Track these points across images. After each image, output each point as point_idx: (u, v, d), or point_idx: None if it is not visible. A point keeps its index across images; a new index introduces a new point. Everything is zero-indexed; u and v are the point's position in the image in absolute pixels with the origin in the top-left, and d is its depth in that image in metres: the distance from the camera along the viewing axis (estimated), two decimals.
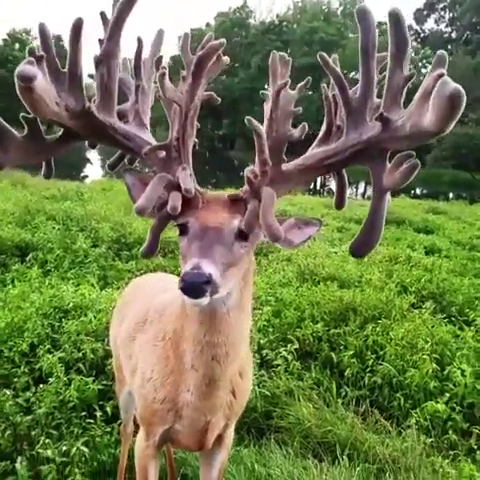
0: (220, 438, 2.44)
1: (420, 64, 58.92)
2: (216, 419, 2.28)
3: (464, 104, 1.40)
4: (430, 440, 3.70)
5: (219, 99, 2.06)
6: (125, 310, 2.95)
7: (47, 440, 3.34)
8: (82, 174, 39.58)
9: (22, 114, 1.73)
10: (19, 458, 3.18)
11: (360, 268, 7.06)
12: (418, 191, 37.28)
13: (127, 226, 8.68)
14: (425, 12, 66.50)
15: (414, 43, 64.29)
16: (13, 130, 1.73)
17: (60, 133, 1.86)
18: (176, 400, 2.20)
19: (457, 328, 5.14)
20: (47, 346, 4.39)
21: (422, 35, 67.27)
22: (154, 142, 1.91)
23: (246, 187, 1.81)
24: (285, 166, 1.83)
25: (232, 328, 1.99)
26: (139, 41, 2.05)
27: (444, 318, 5.44)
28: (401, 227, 12.57)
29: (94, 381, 4.02)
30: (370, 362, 4.58)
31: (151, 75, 2.17)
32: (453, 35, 66.42)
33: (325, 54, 1.81)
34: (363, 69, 1.71)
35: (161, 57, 2.04)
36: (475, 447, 3.67)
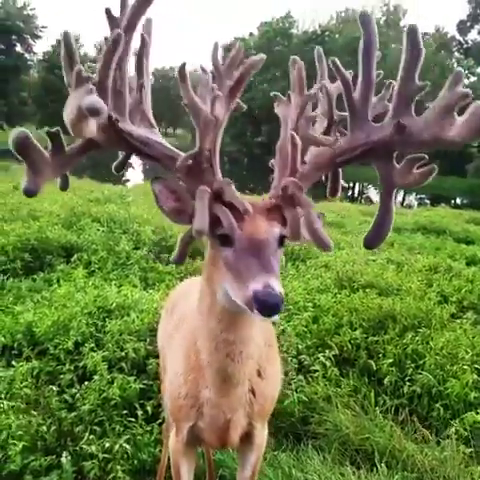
0: (249, 438, 2.50)
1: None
2: (237, 417, 2.34)
3: None
4: (469, 450, 3.66)
5: (245, 106, 2.05)
6: (172, 312, 3.04)
7: (91, 436, 3.46)
8: (124, 178, 40.24)
9: (47, 130, 1.72)
10: (64, 453, 3.29)
11: (399, 276, 7.00)
12: (458, 201, 36.57)
13: (168, 229, 8.84)
14: (468, 23, 65.07)
15: (457, 54, 63.11)
16: (44, 150, 1.72)
17: (79, 144, 1.84)
18: (197, 396, 2.29)
19: None
20: (91, 345, 4.53)
21: (465, 46, 65.84)
22: (168, 146, 1.90)
23: (275, 193, 1.85)
24: (302, 167, 1.88)
25: (248, 327, 2.05)
26: (143, 39, 2.01)
27: None
28: (441, 237, 12.35)
29: (135, 380, 4.13)
30: (409, 371, 4.55)
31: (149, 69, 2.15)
32: None
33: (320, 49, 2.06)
34: (364, 69, 1.79)
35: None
36: None
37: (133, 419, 3.83)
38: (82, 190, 15.11)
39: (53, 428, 3.50)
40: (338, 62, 1.83)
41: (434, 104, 1.69)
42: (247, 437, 2.48)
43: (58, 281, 6.48)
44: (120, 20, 1.87)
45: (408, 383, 4.44)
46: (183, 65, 1.80)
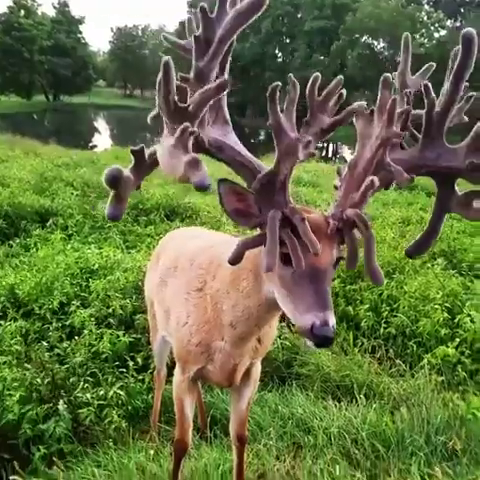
0: (247, 374, 2.70)
1: (432, 28, 57.63)
2: (243, 361, 2.54)
3: None
4: (441, 378, 3.96)
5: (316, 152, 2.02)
6: (159, 258, 3.16)
7: (86, 385, 3.60)
8: (91, 144, 39.58)
9: (131, 148, 1.79)
10: (61, 401, 3.43)
11: (374, 229, 7.21)
12: None
13: (144, 192, 8.86)
14: None
15: (426, 7, 62.61)
16: (130, 176, 1.79)
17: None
18: (209, 345, 2.44)
19: (468, 281, 5.33)
20: (76, 304, 4.63)
21: None
22: (239, 148, 1.90)
23: (337, 214, 1.85)
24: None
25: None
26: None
27: (455, 273, 5.62)
28: (414, 192, 12.66)
29: (124, 334, 4.27)
30: (385, 314, 4.81)
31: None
32: None
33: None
34: (451, 89, 1.77)
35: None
36: None
37: (124, 370, 3.98)
38: (49, 156, 14.94)
39: (47, 380, 3.62)
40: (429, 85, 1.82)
41: None
42: (246, 374, 2.67)
43: (35, 245, 6.52)
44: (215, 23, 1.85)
45: (384, 325, 4.70)
46: (274, 88, 1.70)
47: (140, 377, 3.98)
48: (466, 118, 1.93)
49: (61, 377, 3.73)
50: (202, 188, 1.61)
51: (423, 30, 56.15)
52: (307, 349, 4.26)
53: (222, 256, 2.43)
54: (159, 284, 2.96)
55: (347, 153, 36.45)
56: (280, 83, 1.69)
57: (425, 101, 1.82)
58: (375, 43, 56.52)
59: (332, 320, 1.72)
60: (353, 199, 1.82)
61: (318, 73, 2.08)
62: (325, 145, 42.07)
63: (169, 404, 3.85)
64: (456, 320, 4.55)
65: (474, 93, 1.90)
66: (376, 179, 1.73)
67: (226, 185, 1.79)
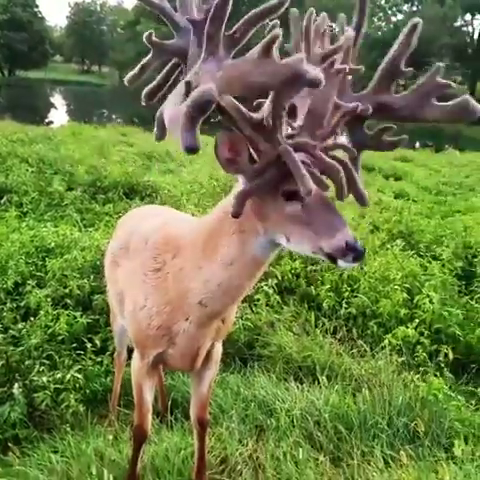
0: (208, 356, 2.63)
1: (390, 12, 58.15)
2: (206, 343, 2.48)
3: None
4: (401, 359, 4.00)
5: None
6: (114, 237, 3.06)
7: (42, 368, 3.48)
8: (47, 119, 38.45)
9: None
10: (16, 385, 3.31)
11: None
12: None
13: (102, 170, 8.65)
14: None
15: None
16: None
17: None
18: (171, 328, 2.35)
19: (426, 262, 5.41)
20: (32, 283, 4.47)
21: None
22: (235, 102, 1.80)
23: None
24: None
25: (261, 273, 2.19)
26: None
27: (413, 254, 5.70)
28: (371, 174, 12.83)
29: (82, 316, 4.15)
30: (346, 295, 4.83)
31: None
32: None
33: None
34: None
35: None
36: (442, 365, 4.00)
37: (82, 352, 3.87)
38: (4, 131, 14.39)
39: (0, 363, 3.49)
40: None
41: (414, 87, 1.87)
42: (206, 356, 2.60)
43: None
44: None
45: (345, 306, 4.72)
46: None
47: (98, 359, 3.90)
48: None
49: (16, 360, 3.60)
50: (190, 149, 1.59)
51: (381, 14, 56.81)
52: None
53: (183, 232, 2.36)
54: (111, 264, 2.86)
55: None
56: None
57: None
58: (334, 24, 56.66)
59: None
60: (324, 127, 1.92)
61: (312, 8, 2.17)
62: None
63: (129, 387, 3.77)
64: (415, 301, 4.62)
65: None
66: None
67: (226, 134, 1.83)
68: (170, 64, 2.01)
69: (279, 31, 1.62)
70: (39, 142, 11.53)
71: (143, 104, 2.02)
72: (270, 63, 1.61)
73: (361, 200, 1.95)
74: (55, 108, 50.69)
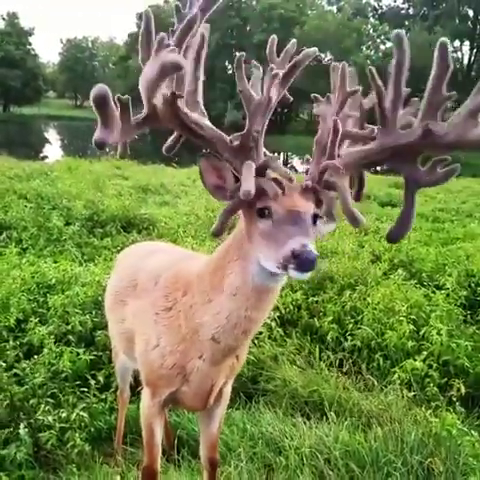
0: (219, 393, 2.58)
1: (378, 40, 59.56)
2: (219, 381, 2.44)
3: None
4: (412, 394, 3.93)
5: (291, 98, 2.21)
6: (115, 275, 3.03)
7: (47, 407, 3.42)
8: (41, 154, 38.68)
9: (117, 96, 1.81)
10: (21, 424, 3.24)
11: (334, 239, 7.25)
12: (378, 167, 37.97)
13: (99, 204, 8.68)
14: None
15: (372, 19, 64.67)
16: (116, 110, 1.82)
17: (142, 115, 1.92)
18: (185, 366, 2.32)
19: (430, 292, 5.38)
20: (34, 320, 4.42)
21: (380, 11, 67.66)
22: (215, 129, 2.01)
23: (311, 178, 1.96)
24: (338, 161, 1.97)
25: (270, 303, 2.15)
26: (203, 37, 2.10)
27: (416, 283, 5.69)
28: (366, 201, 12.89)
29: (85, 352, 4.10)
30: (349, 327, 4.79)
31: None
32: (410, 11, 67.01)
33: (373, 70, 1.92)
34: (395, 84, 1.87)
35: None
36: (454, 399, 3.91)
37: (85, 389, 3.81)
38: (1, 167, 14.48)
39: (5, 402, 3.43)
40: (375, 72, 1.89)
41: (459, 110, 1.83)
42: (218, 394, 2.55)
43: None
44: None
45: (349, 338, 4.67)
46: (239, 58, 1.97)
47: (102, 396, 3.83)
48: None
49: (20, 398, 3.53)
50: (174, 66, 1.76)
51: (369, 42, 58.13)
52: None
53: (192, 269, 2.36)
54: (115, 303, 2.83)
55: (298, 163, 37.14)
56: (244, 53, 2.00)
57: (374, 92, 1.91)
58: (322, 55, 58.08)
59: (311, 246, 1.74)
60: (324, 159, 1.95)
61: (275, 35, 2.22)
62: (276, 155, 42.73)
63: (133, 425, 3.72)
64: (422, 332, 4.57)
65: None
66: (338, 122, 1.90)
67: (206, 160, 1.91)
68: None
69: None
70: (36, 178, 11.60)
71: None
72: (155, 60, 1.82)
73: (353, 221, 1.88)
74: (49, 143, 51.09)
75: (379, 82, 1.90)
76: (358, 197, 2.10)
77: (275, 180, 1.87)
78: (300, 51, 2.14)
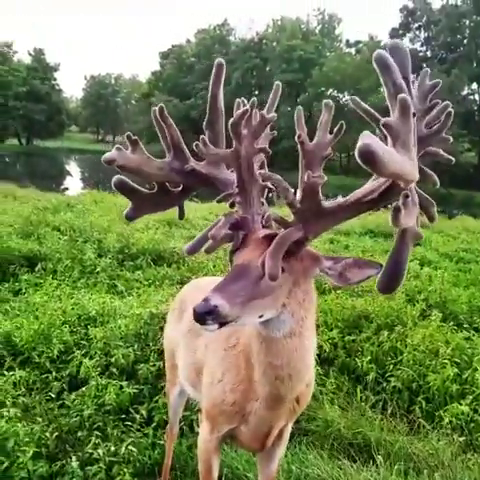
0: (279, 435, 2.57)
1: None
2: (279, 424, 2.44)
3: None
4: (462, 439, 3.86)
5: (270, 151, 2.18)
6: (184, 306, 3.06)
7: (97, 440, 3.42)
8: (62, 186, 39.37)
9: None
10: (74, 457, 3.24)
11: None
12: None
13: (130, 237, 8.78)
14: (400, 31, 67.73)
15: None
16: (142, 189, 2.21)
17: (180, 187, 2.27)
18: (244, 406, 2.34)
19: (471, 335, 5.33)
20: (82, 351, 4.49)
21: None
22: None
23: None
24: (328, 204, 1.95)
25: (291, 353, 2.10)
26: (214, 97, 2.32)
27: (454, 325, 5.63)
28: (389, 240, 12.87)
29: (128, 385, 4.11)
30: (389, 367, 4.75)
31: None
32: (428, 54, 67.87)
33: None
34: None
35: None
36: None
37: (129, 423, 3.81)
38: (27, 199, 14.80)
39: (55, 434, 3.44)
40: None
41: None
42: (278, 434, 2.54)
43: (23, 291, 6.36)
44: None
45: (392, 378, 4.63)
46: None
47: (145, 431, 3.82)
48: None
49: (71, 430, 3.55)
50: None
51: None
52: None
53: None
54: (189, 332, 2.86)
55: None
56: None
57: None
58: (340, 96, 58.95)
59: (215, 299, 1.80)
60: None
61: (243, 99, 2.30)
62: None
63: (178, 461, 3.70)
64: (465, 376, 4.52)
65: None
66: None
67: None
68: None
69: None
70: (64, 210, 11.80)
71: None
72: None
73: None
74: (70, 175, 52.04)
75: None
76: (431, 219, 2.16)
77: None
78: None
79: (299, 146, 1.91)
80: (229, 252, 2.06)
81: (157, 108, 2.15)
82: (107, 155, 2.10)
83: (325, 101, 2.07)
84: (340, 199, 1.96)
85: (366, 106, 2.06)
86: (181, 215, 2.38)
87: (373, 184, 1.93)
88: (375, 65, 1.83)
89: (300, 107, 2.13)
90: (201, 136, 2.19)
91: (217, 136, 2.31)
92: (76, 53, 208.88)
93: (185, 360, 2.89)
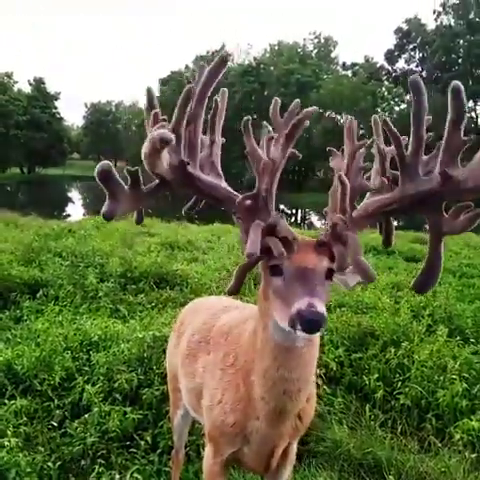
0: (284, 455, 2.52)
1: (392, 102, 60.95)
2: (282, 443, 2.39)
3: None
4: (474, 455, 3.77)
5: (300, 155, 2.22)
6: (183, 329, 3.03)
7: (101, 469, 3.34)
8: (64, 213, 39.56)
9: (126, 168, 1.92)
10: None
11: (366, 294, 7.18)
12: (395, 223, 38.11)
13: (132, 260, 8.76)
14: (396, 53, 68.67)
15: (386, 83, 66.31)
16: (123, 182, 1.93)
17: (154, 183, 2.02)
18: (245, 425, 2.29)
19: (479, 348, 5.25)
20: (84, 378, 4.42)
21: (394, 74, 69.34)
22: (231, 190, 2.09)
23: (328, 231, 1.97)
24: (354, 213, 2.01)
25: (305, 364, 2.10)
26: (216, 103, 2.25)
27: (460, 340, 5.55)
28: (391, 257, 12.85)
29: (132, 411, 4.04)
30: (397, 385, 4.67)
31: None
32: (423, 74, 68.47)
33: (386, 119, 1.99)
34: (415, 129, 1.89)
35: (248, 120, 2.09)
36: None
37: (134, 450, 3.73)
38: (30, 227, 14.80)
39: (58, 464, 3.36)
40: (390, 122, 1.93)
41: (478, 154, 1.80)
42: (282, 455, 2.49)
43: (25, 318, 6.30)
44: (196, 85, 2.12)
45: (401, 396, 4.54)
46: (246, 121, 2.04)
47: (151, 458, 3.75)
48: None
49: (71, 459, 3.48)
50: (162, 140, 1.74)
51: (384, 105, 59.40)
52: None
53: (245, 326, 2.38)
54: (187, 358, 2.82)
55: (315, 219, 37.52)
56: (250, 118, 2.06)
57: (393, 141, 1.94)
58: (338, 117, 59.43)
59: (320, 306, 1.73)
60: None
61: (277, 98, 2.31)
62: (293, 211, 43.50)
63: None
64: (474, 391, 4.43)
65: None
66: (344, 175, 1.96)
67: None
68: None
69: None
70: (64, 236, 11.81)
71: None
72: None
73: (363, 274, 1.86)
74: (72, 202, 52.37)
75: (393, 128, 1.92)
76: (388, 242, 2.14)
77: (283, 239, 1.88)
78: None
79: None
80: (267, 260, 1.95)
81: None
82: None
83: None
84: (360, 208, 2.04)
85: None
86: (139, 219, 2.17)
87: (394, 196, 1.97)
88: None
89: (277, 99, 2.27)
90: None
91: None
92: (76, 81, 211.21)
93: (186, 385, 2.84)
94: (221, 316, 2.76)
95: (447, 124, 1.81)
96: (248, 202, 1.95)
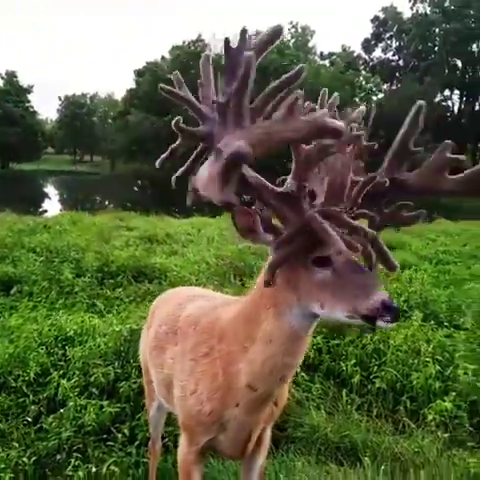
0: (259, 441, 2.53)
1: (371, 92, 61.26)
2: (257, 428, 2.39)
3: None
4: (446, 435, 3.85)
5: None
6: (152, 322, 3.01)
7: (77, 462, 3.33)
8: (40, 209, 39.01)
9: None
10: None
11: None
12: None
13: (109, 255, 8.69)
14: (373, 42, 68.97)
15: (364, 72, 66.58)
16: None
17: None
18: (222, 414, 2.28)
19: (451, 332, 5.35)
20: (59, 373, 4.39)
21: (371, 64, 69.68)
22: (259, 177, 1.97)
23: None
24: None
25: (305, 348, 2.13)
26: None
27: (434, 324, 5.65)
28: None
29: (109, 404, 4.03)
30: (373, 369, 4.74)
31: None
32: (400, 63, 68.99)
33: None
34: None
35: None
36: None
37: (111, 443, 3.72)
38: (4, 223, 14.58)
39: (33, 459, 3.34)
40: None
41: (426, 164, 1.94)
42: (257, 441, 2.50)
43: (0, 314, 6.22)
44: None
45: (374, 380, 4.61)
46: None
47: (128, 450, 3.74)
48: None
49: (46, 454, 3.45)
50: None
51: (362, 94, 59.69)
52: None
53: (226, 315, 2.35)
54: (155, 349, 2.81)
55: None
56: None
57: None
58: (317, 107, 59.37)
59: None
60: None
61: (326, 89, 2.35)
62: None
63: (162, 477, 3.62)
64: (448, 373, 4.52)
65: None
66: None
67: (239, 208, 1.85)
68: (197, 150, 2.09)
69: (300, 92, 1.83)
70: (38, 232, 11.66)
71: (173, 187, 2.11)
72: (295, 120, 1.73)
73: (391, 266, 1.92)
74: (49, 198, 51.63)
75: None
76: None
77: (346, 240, 1.82)
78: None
79: None
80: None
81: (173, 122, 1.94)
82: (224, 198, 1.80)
83: None
84: None
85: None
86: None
87: None
88: None
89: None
90: None
91: None
92: (49, 74, 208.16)
93: (156, 377, 2.83)
94: (187, 306, 2.73)
95: (400, 133, 1.95)
96: (289, 190, 1.92)
